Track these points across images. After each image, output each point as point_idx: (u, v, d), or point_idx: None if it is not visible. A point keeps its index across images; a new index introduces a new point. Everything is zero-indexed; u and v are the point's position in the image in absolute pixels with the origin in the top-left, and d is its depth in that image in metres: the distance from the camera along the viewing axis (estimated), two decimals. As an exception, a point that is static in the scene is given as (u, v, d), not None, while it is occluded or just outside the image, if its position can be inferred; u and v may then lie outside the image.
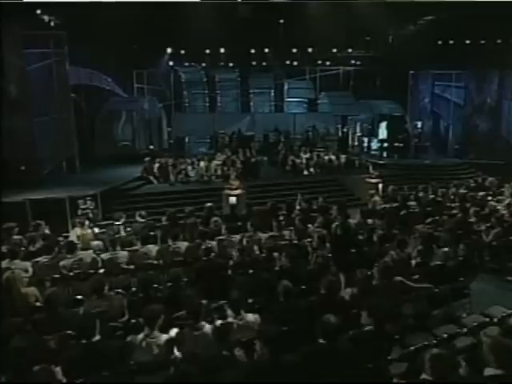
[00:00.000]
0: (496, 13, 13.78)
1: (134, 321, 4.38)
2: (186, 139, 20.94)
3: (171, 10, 16.20)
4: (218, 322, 4.07)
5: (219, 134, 19.08)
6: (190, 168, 13.79)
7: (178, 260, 6.31)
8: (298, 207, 9.00)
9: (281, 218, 8.46)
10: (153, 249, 6.38)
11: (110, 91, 18.54)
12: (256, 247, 6.71)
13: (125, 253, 6.21)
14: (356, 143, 20.06)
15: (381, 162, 15.70)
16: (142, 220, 7.75)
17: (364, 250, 6.62)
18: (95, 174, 13.42)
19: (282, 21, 18.47)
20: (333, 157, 14.70)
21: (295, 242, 6.53)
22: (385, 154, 17.81)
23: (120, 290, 5.07)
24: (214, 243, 6.70)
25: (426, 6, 15.58)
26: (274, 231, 7.16)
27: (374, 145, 18.96)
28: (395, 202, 9.54)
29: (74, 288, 5.43)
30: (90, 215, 8.10)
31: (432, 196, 9.56)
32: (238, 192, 10.85)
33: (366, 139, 19.45)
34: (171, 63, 21.33)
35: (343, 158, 14.82)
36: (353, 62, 21.43)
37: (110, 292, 4.83)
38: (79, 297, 5.05)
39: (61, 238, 6.87)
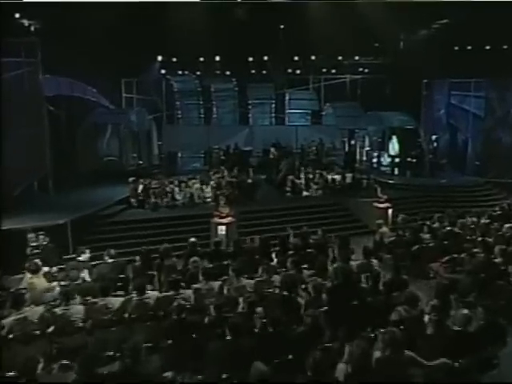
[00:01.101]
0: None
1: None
2: (179, 154, 20.89)
3: (162, 13, 15.98)
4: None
5: (213, 149, 18.71)
6: (177, 190, 13.21)
7: (147, 315, 5.64)
8: (291, 241, 8.31)
9: (273, 254, 7.80)
10: (116, 301, 5.71)
11: (94, 102, 18.20)
12: (239, 296, 6.01)
13: (81, 306, 5.55)
14: (364, 158, 19.64)
15: (391, 181, 15.20)
16: (110, 260, 7.10)
17: (367, 301, 5.92)
18: (72, 196, 12.89)
19: (282, 26, 18.25)
20: (337, 176, 14.07)
21: (284, 293, 5.83)
22: (396, 171, 17.33)
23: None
24: (190, 293, 6.03)
25: (440, 7, 15.08)
26: (262, 276, 6.48)
27: (384, 160, 18.45)
28: (406, 234, 8.82)
29: (14, 354, 4.76)
30: (44, 255, 7.42)
31: (449, 228, 8.82)
32: (228, 220, 10.32)
33: (375, 154, 18.99)
34: (163, 71, 21.05)
35: (349, 177, 14.22)
36: (360, 69, 21.13)
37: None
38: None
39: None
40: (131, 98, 21.06)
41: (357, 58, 20.47)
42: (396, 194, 13.68)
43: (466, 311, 4.93)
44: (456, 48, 18.49)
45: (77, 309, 5.46)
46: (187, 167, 20.19)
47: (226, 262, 7.48)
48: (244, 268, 6.81)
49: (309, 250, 7.85)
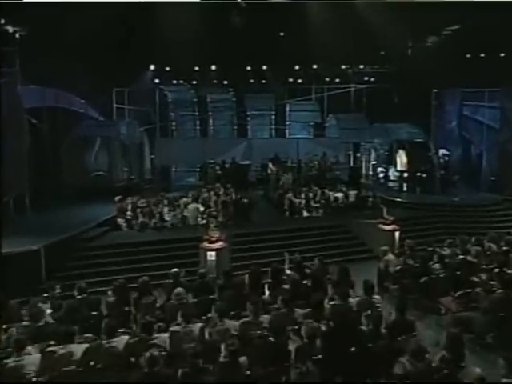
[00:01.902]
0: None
1: None
2: (173, 168, 20.57)
3: (155, 19, 15.85)
4: None
5: (208, 163, 18.52)
6: (166, 210, 12.77)
7: (115, 364, 5.15)
8: (286, 270, 7.84)
9: (265, 287, 7.28)
10: (78, 348, 5.22)
11: (82, 114, 17.97)
12: (221, 341, 5.51)
13: (37, 355, 5.07)
14: (370, 173, 19.38)
15: (398, 199, 14.78)
16: (80, 296, 6.62)
17: (368, 347, 5.42)
18: (52, 216, 12.49)
19: (282, 33, 18.12)
20: (340, 194, 13.65)
21: (272, 339, 5.33)
22: (405, 188, 16.95)
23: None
24: (165, 337, 5.55)
25: (450, 11, 14.78)
26: (250, 316, 5.98)
27: (392, 175, 18.08)
28: (413, 262, 8.32)
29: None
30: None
31: (462, 256, 8.31)
32: (218, 245, 9.85)
33: (381, 169, 18.69)
34: (156, 81, 21.03)
35: (353, 194, 13.78)
36: (366, 78, 21.04)
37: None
38: None
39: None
40: (123, 108, 20.92)
41: (362, 66, 20.37)
42: (404, 214, 13.32)
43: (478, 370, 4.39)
44: (468, 55, 18.25)
45: (32, 359, 4.97)
46: (181, 182, 19.99)
47: (212, 297, 7.03)
48: (230, 306, 6.33)
49: (305, 282, 7.38)
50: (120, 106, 20.78)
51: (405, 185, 16.97)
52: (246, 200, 12.74)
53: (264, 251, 10.76)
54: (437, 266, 8.03)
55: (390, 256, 8.80)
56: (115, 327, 5.61)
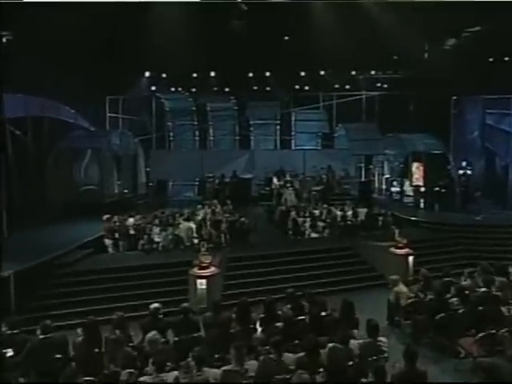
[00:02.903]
0: None
1: None
2: (170, 182, 20.51)
3: (151, 22, 15.82)
4: None
5: (207, 178, 18.36)
6: (156, 230, 12.34)
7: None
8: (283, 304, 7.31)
9: (258, 323, 6.84)
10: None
11: (71, 124, 17.81)
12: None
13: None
14: (384, 187, 19.05)
15: (414, 217, 14.27)
16: (42, 336, 6.12)
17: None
18: (31, 236, 12.10)
19: (286, 37, 18.00)
20: (349, 212, 13.19)
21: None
22: (422, 204, 16.47)
23: None
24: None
25: (471, 11, 14.38)
26: (233, 363, 5.44)
27: (407, 190, 17.73)
28: (428, 294, 7.78)
29: None
30: None
31: (484, 288, 7.70)
32: (210, 272, 9.46)
33: (395, 183, 18.38)
34: (153, 88, 20.92)
35: (363, 212, 13.32)
36: (378, 85, 20.81)
37: None
38: None
39: None
40: (116, 118, 20.96)
41: (373, 71, 20.18)
42: (419, 235, 12.89)
43: None
44: (491, 59, 17.90)
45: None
46: (178, 197, 19.84)
47: (196, 335, 6.57)
48: (213, 349, 5.81)
49: (302, 317, 6.89)
50: (114, 115, 20.82)
51: (421, 201, 16.53)
52: (243, 219, 12.27)
53: (262, 277, 10.36)
54: (455, 299, 7.42)
55: (401, 287, 8.27)
56: (77, 375, 5.12)
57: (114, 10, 14.59)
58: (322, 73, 19.63)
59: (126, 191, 18.61)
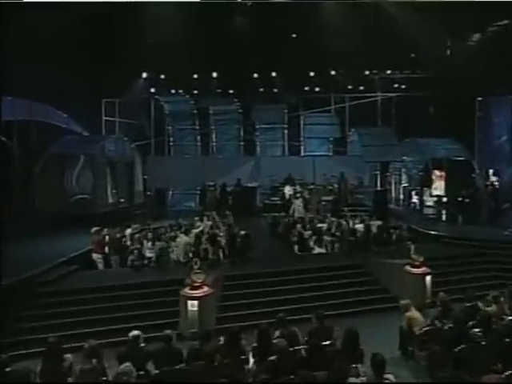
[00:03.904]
0: None
1: None
2: (169, 191, 20.69)
3: (149, 20, 15.84)
4: None
5: (208, 186, 18.41)
6: (149, 245, 12.06)
7: None
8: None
9: (250, 354, 6.45)
10: None
11: (61, 129, 17.76)
12: None
13: None
14: (401, 197, 18.92)
15: (433, 232, 13.81)
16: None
17: None
18: (13, 250, 11.75)
19: (294, 34, 17.89)
20: (360, 225, 12.87)
21: None
22: (443, 216, 16.17)
23: None
24: None
25: (497, 1, 14.10)
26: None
27: (427, 200, 17.41)
28: (446, 322, 7.31)
29: None
30: None
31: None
32: (202, 292, 9.06)
33: (414, 193, 18.14)
34: (152, 90, 20.87)
35: (375, 225, 12.97)
36: (395, 85, 20.54)
37: None
38: None
39: None
40: (113, 121, 20.86)
41: (389, 71, 19.91)
42: (438, 251, 12.42)
43: None
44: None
45: None
46: (179, 207, 19.89)
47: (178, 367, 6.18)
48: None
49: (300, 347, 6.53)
50: (110, 118, 20.73)
51: (443, 213, 16.23)
52: (243, 232, 11.99)
53: (262, 298, 9.97)
54: (478, 329, 6.94)
55: (414, 312, 7.83)
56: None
57: (110, 10, 14.66)
58: (333, 73, 19.54)
59: (122, 200, 18.48)
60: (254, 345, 6.64)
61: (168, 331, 6.81)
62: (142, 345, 6.60)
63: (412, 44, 17.39)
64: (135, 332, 6.67)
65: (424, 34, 15.77)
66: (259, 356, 6.41)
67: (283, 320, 6.90)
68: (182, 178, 19.55)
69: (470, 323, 7.23)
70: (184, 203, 20.47)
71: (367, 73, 19.70)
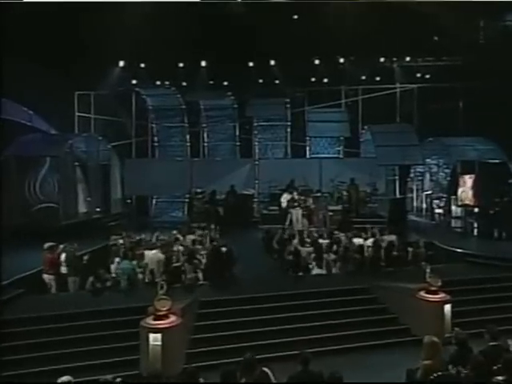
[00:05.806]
0: None
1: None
2: (153, 199, 21.03)
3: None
4: None
5: (195, 194, 18.44)
6: (117, 260, 11.78)
7: None
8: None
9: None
10: None
11: (22, 126, 17.35)
12: None
13: None
14: (424, 206, 18.95)
15: (459, 249, 13.39)
16: None
17: None
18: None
19: (295, 16, 17.89)
20: (369, 241, 12.52)
21: None
22: (475, 229, 15.81)
23: None
24: None
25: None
26: None
27: (455, 210, 17.30)
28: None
29: None
30: None
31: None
32: (167, 323, 8.58)
33: (439, 201, 18.05)
34: (133, 81, 20.89)
35: (387, 240, 12.65)
36: (418, 75, 20.37)
37: None
38: None
39: None
40: (87, 118, 20.84)
41: (409, 58, 19.75)
42: (463, 273, 12.03)
43: None
44: None
45: None
46: (163, 218, 20.05)
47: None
48: None
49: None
50: (83, 114, 20.72)
51: (474, 226, 15.91)
52: (224, 249, 11.70)
53: (246, 329, 9.63)
54: (501, 378, 6.25)
55: (438, 359, 7.04)
56: None
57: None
58: (342, 60, 19.52)
59: (98, 209, 18.58)
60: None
61: (109, 376, 6.30)
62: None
63: (437, 26, 17.32)
64: (64, 378, 6.15)
65: (451, 13, 15.72)
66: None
67: (251, 361, 6.29)
68: (167, 184, 19.58)
69: (494, 368, 6.67)
70: (170, 213, 20.56)
71: (383, 60, 19.70)
